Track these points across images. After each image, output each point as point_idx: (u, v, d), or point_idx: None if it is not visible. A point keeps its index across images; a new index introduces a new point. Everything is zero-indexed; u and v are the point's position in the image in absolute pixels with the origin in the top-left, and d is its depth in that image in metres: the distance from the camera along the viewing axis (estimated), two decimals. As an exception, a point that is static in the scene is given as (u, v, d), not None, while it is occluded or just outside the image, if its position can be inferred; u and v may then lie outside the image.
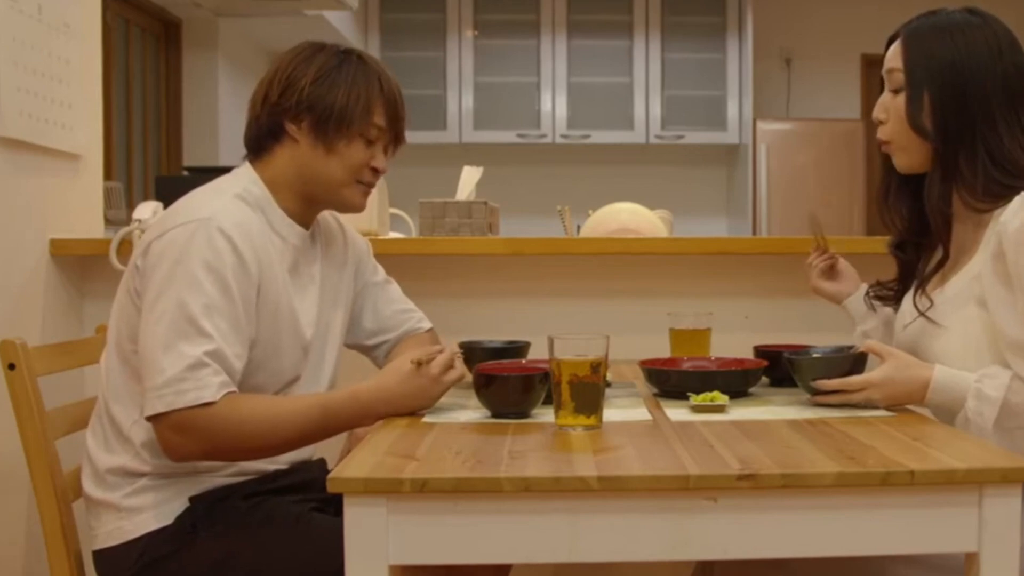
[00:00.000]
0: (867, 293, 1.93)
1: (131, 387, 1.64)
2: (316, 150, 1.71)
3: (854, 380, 1.62)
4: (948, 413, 1.62)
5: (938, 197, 1.68)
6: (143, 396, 1.55)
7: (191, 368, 1.52)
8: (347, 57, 1.73)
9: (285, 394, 1.73)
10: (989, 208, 1.64)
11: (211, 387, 1.52)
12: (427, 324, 1.99)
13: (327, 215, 1.88)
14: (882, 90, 1.76)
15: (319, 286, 1.80)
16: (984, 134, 1.64)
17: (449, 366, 1.64)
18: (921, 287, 1.73)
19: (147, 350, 1.56)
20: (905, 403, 1.63)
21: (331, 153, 1.71)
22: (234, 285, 1.59)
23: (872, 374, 1.62)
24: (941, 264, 1.73)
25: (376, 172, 1.76)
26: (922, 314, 1.70)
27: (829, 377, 1.66)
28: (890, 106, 1.72)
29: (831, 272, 2.02)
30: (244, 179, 1.73)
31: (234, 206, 1.66)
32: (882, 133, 1.74)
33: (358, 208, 1.78)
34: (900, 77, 1.70)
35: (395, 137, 1.78)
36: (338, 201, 1.76)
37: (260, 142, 1.74)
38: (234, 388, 1.56)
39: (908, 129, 1.69)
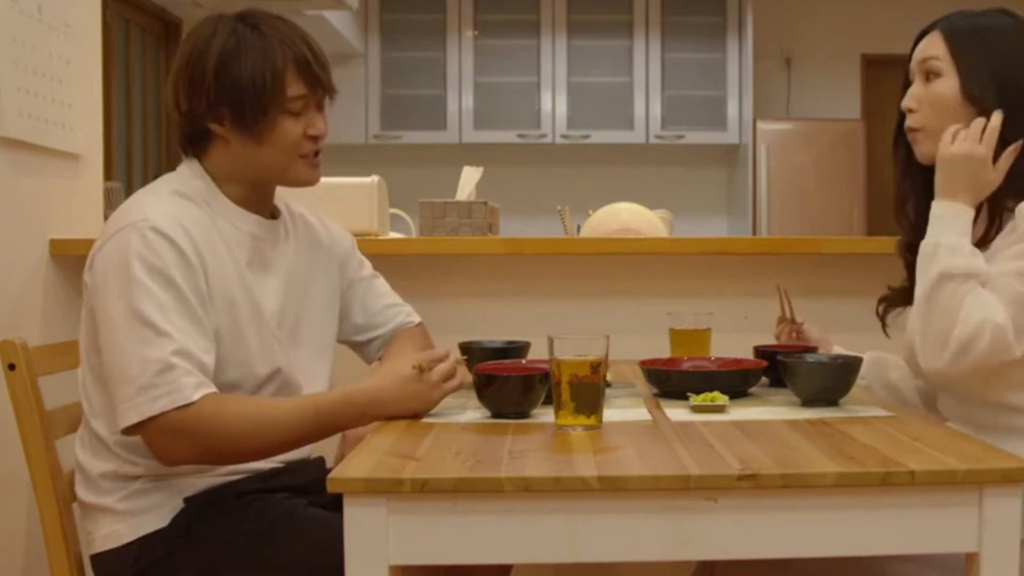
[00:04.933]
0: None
1: (106, 401, 1.62)
2: (247, 142, 1.66)
3: (986, 132, 1.64)
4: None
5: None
6: (116, 409, 1.54)
7: (160, 372, 1.50)
8: (242, 33, 1.65)
9: (270, 391, 1.71)
10: (1013, 206, 1.64)
11: (186, 388, 1.50)
12: (416, 318, 1.97)
13: (306, 212, 1.87)
14: (904, 84, 1.77)
15: (286, 275, 1.76)
16: (1017, 131, 1.65)
17: (450, 375, 1.63)
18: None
19: (111, 364, 1.54)
20: (944, 166, 1.65)
21: (262, 142, 1.66)
22: (180, 281, 1.56)
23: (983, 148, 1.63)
24: (984, 241, 1.69)
25: (316, 139, 1.70)
26: None
27: (821, 382, 1.66)
28: (922, 95, 1.73)
29: (798, 338, 2.02)
30: (186, 174, 1.70)
31: (169, 203, 1.63)
32: (912, 121, 1.74)
33: (310, 182, 1.74)
34: (939, 65, 1.70)
35: (324, 93, 1.71)
36: (287, 181, 1.73)
37: (193, 144, 1.71)
38: (213, 388, 1.54)
39: (944, 113, 1.69)
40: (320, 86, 1.69)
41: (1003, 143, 1.66)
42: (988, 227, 1.69)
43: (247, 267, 1.70)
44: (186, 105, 1.66)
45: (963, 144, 1.63)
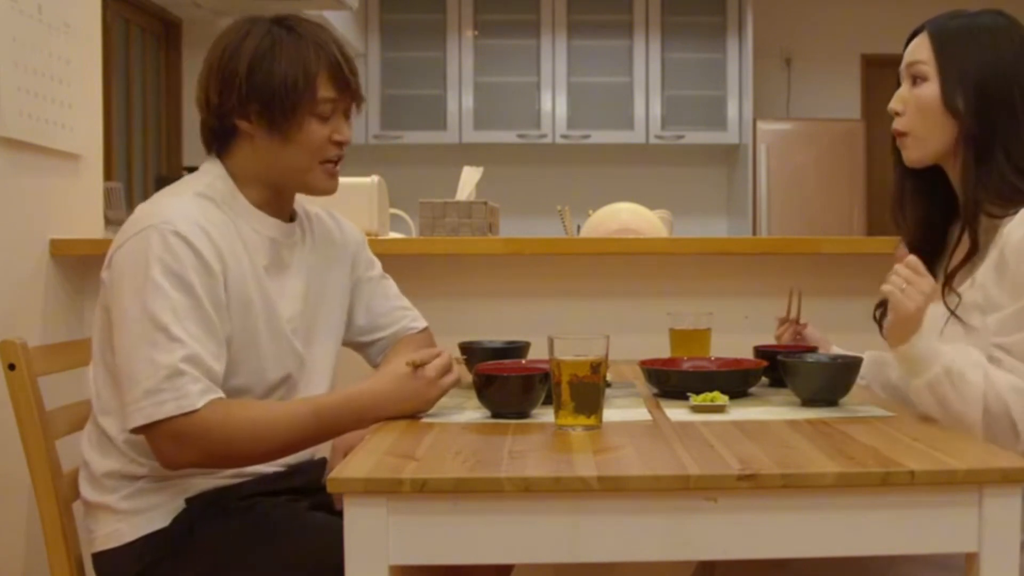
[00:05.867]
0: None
1: (117, 397, 1.62)
2: (273, 141, 1.67)
3: (920, 269, 1.56)
4: (911, 368, 1.59)
5: (974, 182, 1.66)
6: (123, 409, 1.55)
7: (168, 378, 1.50)
8: (277, 35, 1.66)
9: (279, 395, 1.72)
10: (999, 214, 1.64)
11: (191, 395, 1.50)
12: (422, 323, 1.96)
13: (320, 210, 1.87)
14: (897, 85, 1.76)
15: (305, 280, 1.77)
16: (1004, 133, 1.65)
17: (446, 370, 1.63)
18: (948, 282, 1.68)
19: (122, 363, 1.54)
20: (905, 323, 1.56)
21: (288, 142, 1.66)
22: (198, 285, 1.56)
23: (930, 279, 1.58)
24: (969, 256, 1.68)
25: (340, 145, 1.71)
26: (952, 313, 1.65)
27: (821, 382, 1.66)
28: (908, 98, 1.72)
29: (799, 339, 2.01)
30: (209, 174, 1.70)
31: (192, 204, 1.63)
32: (899, 124, 1.74)
33: (328, 191, 1.74)
34: (925, 69, 1.70)
35: (352, 100, 1.72)
36: (305, 187, 1.73)
37: (217, 142, 1.71)
38: (219, 393, 1.54)
39: (929, 118, 1.69)
40: (349, 92, 1.70)
41: (988, 144, 1.65)
42: (961, 236, 1.69)
43: (265, 272, 1.70)
44: (216, 100, 1.66)
45: (917, 294, 1.55)
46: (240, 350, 1.64)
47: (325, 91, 1.67)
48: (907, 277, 1.56)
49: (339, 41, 1.71)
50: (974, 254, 1.68)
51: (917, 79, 1.71)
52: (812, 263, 2.56)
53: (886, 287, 1.57)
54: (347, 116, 1.72)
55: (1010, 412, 1.53)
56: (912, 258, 1.58)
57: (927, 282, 1.56)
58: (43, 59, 2.21)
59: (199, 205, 1.64)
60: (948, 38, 1.70)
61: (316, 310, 1.79)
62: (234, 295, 1.63)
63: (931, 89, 1.69)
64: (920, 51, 1.71)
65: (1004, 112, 1.65)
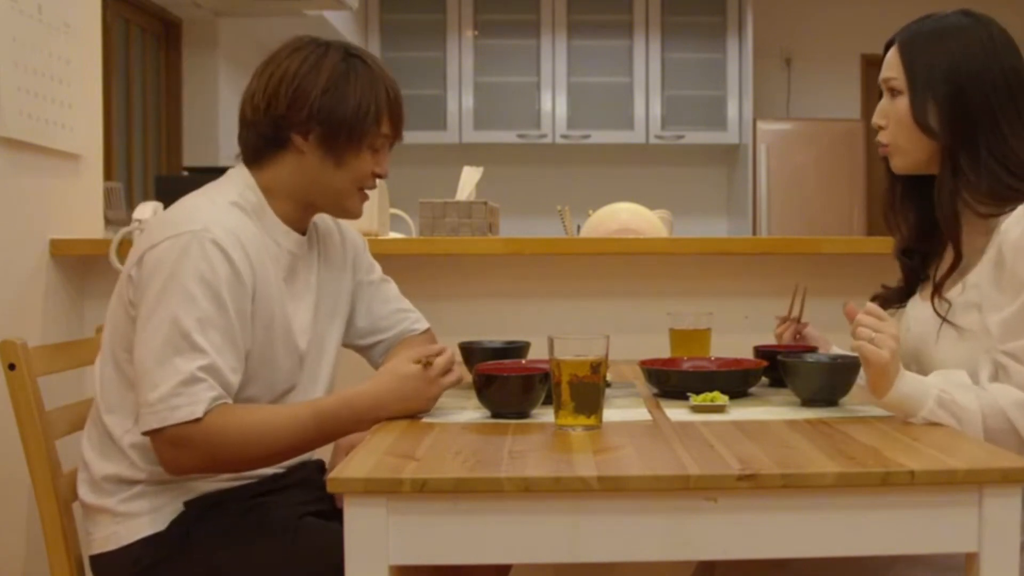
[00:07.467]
0: None
1: (125, 396, 1.63)
2: (324, 162, 1.68)
3: (881, 314, 1.54)
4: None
5: (949, 195, 1.66)
6: (138, 410, 1.54)
7: (184, 383, 1.50)
8: (352, 62, 1.69)
9: (282, 401, 1.71)
10: (994, 213, 1.63)
11: (204, 402, 1.51)
12: (424, 325, 1.96)
13: (322, 216, 1.87)
14: (880, 97, 1.76)
15: (315, 294, 1.78)
16: (987, 135, 1.64)
17: (448, 369, 1.63)
18: (937, 291, 1.68)
19: (141, 364, 1.54)
20: (884, 372, 1.51)
21: (340, 166, 1.68)
22: (228, 298, 1.57)
23: (892, 321, 1.56)
24: (954, 266, 1.69)
25: (378, 177, 1.75)
26: (944, 319, 1.65)
27: (821, 382, 1.66)
28: (889, 111, 1.72)
29: (799, 339, 2.00)
30: (240, 184, 1.70)
31: (229, 214, 1.63)
32: (882, 137, 1.74)
33: (357, 215, 1.77)
34: (897, 84, 1.70)
35: (397, 139, 1.77)
36: (339, 209, 1.76)
37: (260, 150, 1.71)
38: (227, 400, 1.55)
39: (908, 132, 1.69)
40: (399, 132, 1.75)
41: (973, 151, 1.64)
42: (947, 243, 1.69)
43: (284, 284, 1.70)
44: (281, 111, 1.66)
45: (887, 340, 1.51)
46: (257, 363, 1.65)
47: (385, 127, 1.71)
48: (872, 326, 1.52)
49: (397, 84, 1.76)
50: (959, 264, 1.68)
51: (894, 92, 1.71)
52: (812, 263, 2.56)
53: (856, 343, 1.52)
54: (387, 152, 1.76)
55: (1016, 428, 1.52)
56: (871, 305, 1.56)
57: (891, 324, 1.54)
58: (43, 59, 2.21)
59: (235, 215, 1.64)
60: (916, 49, 1.69)
61: (323, 322, 1.80)
62: (259, 309, 1.64)
63: (905, 103, 1.69)
64: (892, 66, 1.72)
65: (983, 114, 1.64)
